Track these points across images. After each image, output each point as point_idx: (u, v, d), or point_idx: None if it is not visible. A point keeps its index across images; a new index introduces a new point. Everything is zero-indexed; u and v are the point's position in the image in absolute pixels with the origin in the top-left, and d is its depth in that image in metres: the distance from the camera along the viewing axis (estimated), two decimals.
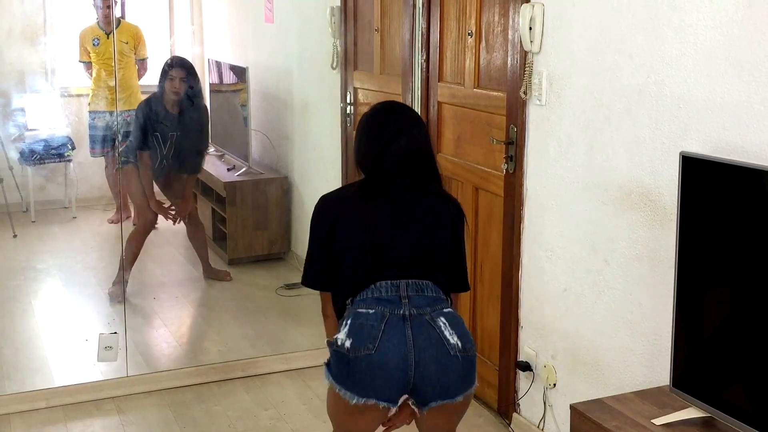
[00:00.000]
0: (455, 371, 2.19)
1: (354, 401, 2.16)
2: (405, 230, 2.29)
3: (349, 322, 2.21)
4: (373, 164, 2.35)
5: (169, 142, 4.68)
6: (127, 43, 5.38)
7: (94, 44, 5.51)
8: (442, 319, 2.21)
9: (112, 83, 5.35)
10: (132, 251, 4.66)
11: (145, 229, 4.75)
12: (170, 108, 4.66)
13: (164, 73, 4.67)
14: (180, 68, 4.66)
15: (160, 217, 4.87)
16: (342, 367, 2.18)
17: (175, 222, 4.95)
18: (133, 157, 4.71)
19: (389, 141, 2.32)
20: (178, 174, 4.88)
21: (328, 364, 2.26)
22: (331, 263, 2.33)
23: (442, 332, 2.18)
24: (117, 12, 5.38)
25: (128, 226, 4.98)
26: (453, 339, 2.19)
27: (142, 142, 4.65)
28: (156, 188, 4.85)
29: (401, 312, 2.19)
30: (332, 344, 2.23)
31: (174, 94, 4.63)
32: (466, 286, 2.45)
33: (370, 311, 2.20)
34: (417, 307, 2.21)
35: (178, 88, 4.62)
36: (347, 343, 2.16)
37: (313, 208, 2.39)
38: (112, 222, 5.82)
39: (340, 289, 2.33)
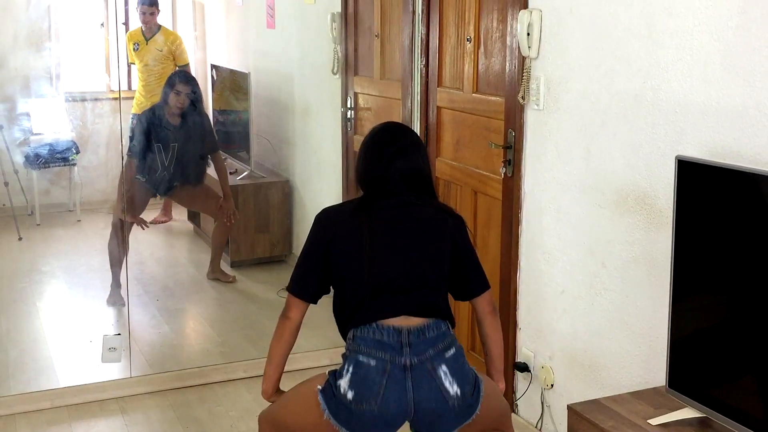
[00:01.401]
0: (451, 418, 2.24)
1: None
2: (403, 250, 2.30)
3: (351, 370, 2.21)
4: (372, 184, 2.36)
5: (171, 152, 4.75)
6: (161, 50, 5.43)
7: (134, 49, 5.55)
8: (444, 367, 2.22)
9: (147, 87, 5.42)
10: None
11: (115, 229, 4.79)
12: (172, 119, 4.77)
13: (170, 86, 4.75)
14: (185, 83, 4.78)
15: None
16: (343, 413, 2.20)
17: (230, 222, 5.00)
18: (138, 171, 4.76)
19: (388, 163, 2.33)
20: (184, 183, 4.96)
21: (323, 392, 2.23)
22: (323, 278, 2.34)
23: (442, 383, 2.21)
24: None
25: (131, 230, 5.00)
26: (453, 389, 2.21)
27: (145, 147, 4.71)
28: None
29: (402, 361, 2.20)
30: (335, 387, 2.22)
31: (178, 108, 4.75)
32: (485, 285, 2.46)
33: (372, 363, 2.20)
34: (418, 354, 2.21)
35: (183, 102, 4.74)
36: (349, 395, 2.19)
37: (313, 211, 2.41)
38: (156, 222, 5.91)
39: (339, 309, 2.34)
